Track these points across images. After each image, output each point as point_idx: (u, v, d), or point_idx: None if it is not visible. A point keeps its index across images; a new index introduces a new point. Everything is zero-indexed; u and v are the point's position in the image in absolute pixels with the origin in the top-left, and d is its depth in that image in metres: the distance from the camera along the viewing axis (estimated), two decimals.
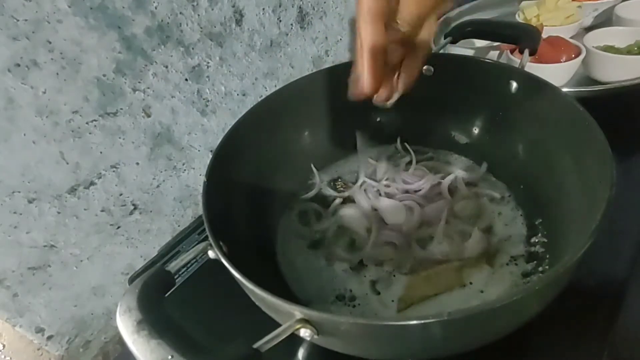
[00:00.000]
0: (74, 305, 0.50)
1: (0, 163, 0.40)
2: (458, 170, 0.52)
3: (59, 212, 0.46)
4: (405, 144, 0.57)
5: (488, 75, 0.49)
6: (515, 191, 0.48)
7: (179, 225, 0.60)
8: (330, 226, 0.49)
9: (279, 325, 0.26)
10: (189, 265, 0.51)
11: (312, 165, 0.56)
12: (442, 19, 0.92)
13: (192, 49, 0.53)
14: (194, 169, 0.59)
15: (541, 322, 0.37)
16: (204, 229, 0.34)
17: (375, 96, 0.36)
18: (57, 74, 0.42)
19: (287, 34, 0.67)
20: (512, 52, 0.67)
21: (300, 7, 0.67)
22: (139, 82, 0.49)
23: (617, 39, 0.66)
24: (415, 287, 0.41)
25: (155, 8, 0.48)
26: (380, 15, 0.31)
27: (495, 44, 0.72)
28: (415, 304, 0.40)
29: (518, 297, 0.25)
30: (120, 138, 0.49)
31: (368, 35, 0.31)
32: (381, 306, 0.40)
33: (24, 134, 0.41)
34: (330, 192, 0.54)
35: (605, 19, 0.79)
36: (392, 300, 0.40)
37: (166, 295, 0.31)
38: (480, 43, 0.74)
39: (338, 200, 0.52)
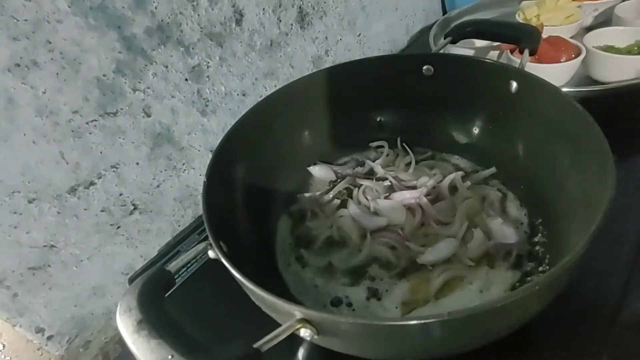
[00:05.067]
0: (74, 305, 0.50)
1: (0, 163, 0.40)
2: (458, 170, 0.52)
3: (59, 212, 0.46)
4: (405, 144, 0.57)
5: (488, 75, 0.49)
6: (516, 191, 0.48)
7: (179, 225, 0.60)
8: (326, 230, 0.49)
9: (279, 325, 0.26)
10: (189, 265, 0.51)
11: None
12: (442, 18, 0.92)
13: (192, 49, 0.53)
14: (194, 169, 0.59)
15: (541, 322, 0.37)
16: (204, 229, 0.34)
17: None
18: (57, 74, 0.42)
19: (287, 34, 0.67)
20: (512, 52, 0.67)
21: (300, 7, 0.67)
22: (139, 82, 0.49)
23: (617, 39, 0.66)
24: (417, 289, 0.41)
25: (155, 8, 0.48)
26: None
27: (495, 44, 0.72)
28: (419, 307, 0.39)
29: (518, 297, 0.25)
30: (120, 138, 0.49)
31: None
32: (382, 310, 0.40)
33: (24, 134, 0.41)
34: (329, 192, 0.53)
35: (605, 19, 0.79)
36: (396, 307, 0.40)
37: (166, 295, 0.31)
38: (480, 43, 0.74)
39: (337, 201, 0.52)
